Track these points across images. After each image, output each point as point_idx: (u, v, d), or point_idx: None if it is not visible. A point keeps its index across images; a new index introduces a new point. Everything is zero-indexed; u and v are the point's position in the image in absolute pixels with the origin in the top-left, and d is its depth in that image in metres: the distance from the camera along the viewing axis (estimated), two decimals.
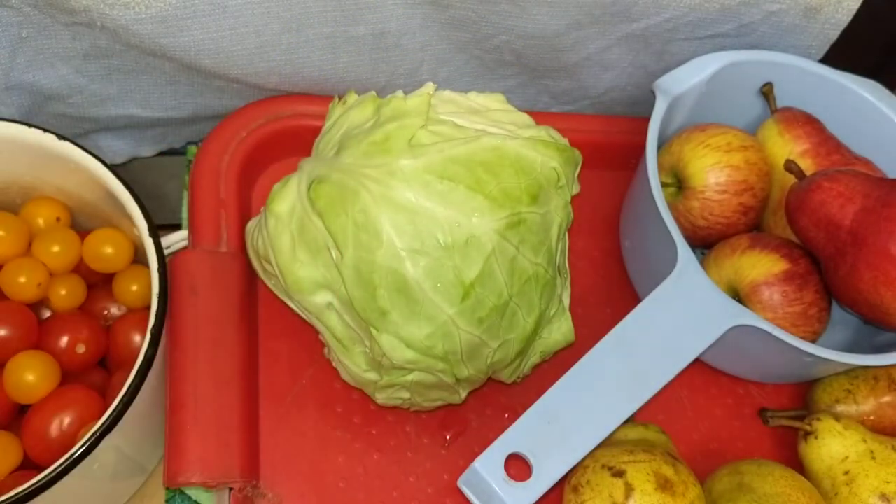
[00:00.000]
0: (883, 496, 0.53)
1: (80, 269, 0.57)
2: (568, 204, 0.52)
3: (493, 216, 0.46)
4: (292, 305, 0.52)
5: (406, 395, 0.51)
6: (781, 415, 0.60)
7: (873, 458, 0.54)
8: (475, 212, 0.46)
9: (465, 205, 0.46)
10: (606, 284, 0.65)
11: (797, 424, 0.58)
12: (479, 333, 0.47)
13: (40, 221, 0.58)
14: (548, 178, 0.50)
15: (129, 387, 0.47)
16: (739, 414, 0.62)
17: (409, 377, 0.49)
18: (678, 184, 0.61)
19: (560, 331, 0.54)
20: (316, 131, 0.54)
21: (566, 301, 0.54)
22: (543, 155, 0.49)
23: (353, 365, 0.50)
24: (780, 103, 0.64)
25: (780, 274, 0.57)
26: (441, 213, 0.46)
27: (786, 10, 0.64)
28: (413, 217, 0.46)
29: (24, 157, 0.55)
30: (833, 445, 0.55)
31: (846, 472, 0.54)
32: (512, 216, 0.47)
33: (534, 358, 0.54)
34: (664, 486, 0.49)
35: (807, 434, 0.56)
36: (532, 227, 0.48)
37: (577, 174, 0.53)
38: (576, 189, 0.53)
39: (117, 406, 0.47)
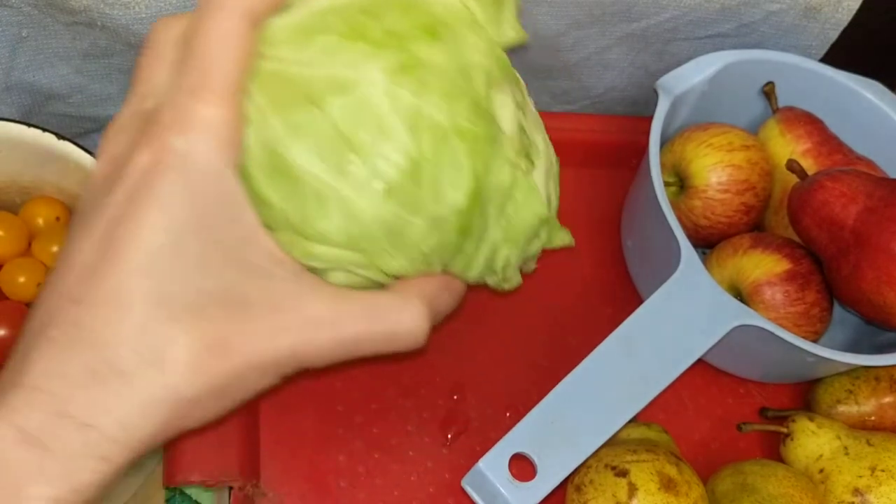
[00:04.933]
0: (856, 491, 0.53)
1: None
2: (496, 48, 0.41)
3: (377, 62, 0.38)
4: None
5: None
6: (753, 426, 0.60)
7: (847, 453, 0.54)
8: (357, 61, 0.38)
9: (345, 56, 0.38)
10: (608, 284, 0.64)
11: (771, 428, 0.58)
12: (391, 207, 0.38)
13: (40, 221, 0.58)
14: (453, 14, 0.40)
15: None
16: (741, 414, 0.61)
17: (332, 282, 0.40)
18: (680, 183, 0.61)
19: (530, 207, 0.42)
20: None
21: (541, 182, 0.44)
22: None
23: None
24: (781, 103, 0.64)
25: (782, 274, 0.57)
26: (319, 73, 0.38)
27: (786, 9, 0.64)
28: (287, 84, 0.38)
29: (24, 157, 0.55)
30: (808, 445, 0.56)
31: (821, 471, 0.55)
32: (402, 57, 0.38)
33: (504, 249, 0.43)
34: (668, 485, 0.49)
35: (785, 436, 0.57)
36: (437, 72, 0.38)
37: (513, 13, 0.43)
38: (512, 32, 0.43)
39: None
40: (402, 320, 0.38)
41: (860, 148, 0.63)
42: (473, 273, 0.43)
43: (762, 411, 0.61)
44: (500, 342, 0.59)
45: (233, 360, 0.34)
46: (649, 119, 0.59)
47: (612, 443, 0.52)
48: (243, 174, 0.37)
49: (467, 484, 0.50)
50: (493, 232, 0.42)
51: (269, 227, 0.38)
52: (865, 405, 0.58)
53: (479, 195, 0.40)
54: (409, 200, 0.38)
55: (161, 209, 0.33)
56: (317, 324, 0.36)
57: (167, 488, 0.56)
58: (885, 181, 0.55)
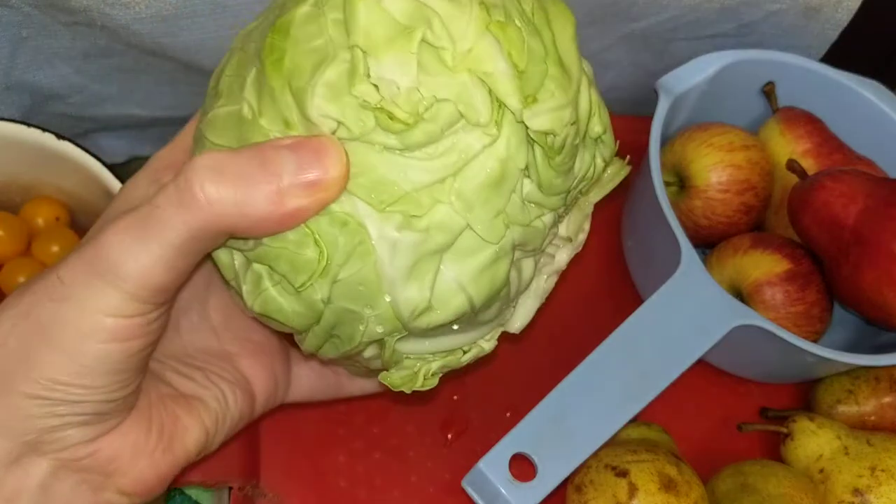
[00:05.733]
0: (856, 491, 0.53)
1: None
2: None
3: None
4: None
5: None
6: (754, 426, 0.59)
7: (847, 453, 0.54)
8: None
9: None
10: (608, 284, 0.64)
11: (772, 428, 0.58)
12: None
13: (40, 221, 0.58)
14: None
15: None
16: (741, 414, 0.61)
17: None
18: (680, 183, 0.61)
19: None
20: None
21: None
22: None
23: None
24: (781, 103, 0.64)
25: (782, 274, 0.57)
26: None
27: (786, 10, 0.64)
28: None
29: (23, 156, 0.55)
30: (808, 445, 0.55)
31: (821, 471, 0.55)
32: None
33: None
34: (668, 485, 0.49)
35: (785, 436, 0.57)
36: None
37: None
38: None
39: None
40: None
41: (860, 148, 0.63)
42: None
43: (762, 411, 0.61)
44: (500, 342, 0.59)
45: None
46: (649, 119, 0.59)
47: (612, 443, 0.52)
48: None
49: (467, 484, 0.50)
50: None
51: None
52: (865, 405, 0.58)
53: (286, 30, 0.35)
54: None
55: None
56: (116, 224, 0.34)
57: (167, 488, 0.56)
58: (886, 181, 0.55)
